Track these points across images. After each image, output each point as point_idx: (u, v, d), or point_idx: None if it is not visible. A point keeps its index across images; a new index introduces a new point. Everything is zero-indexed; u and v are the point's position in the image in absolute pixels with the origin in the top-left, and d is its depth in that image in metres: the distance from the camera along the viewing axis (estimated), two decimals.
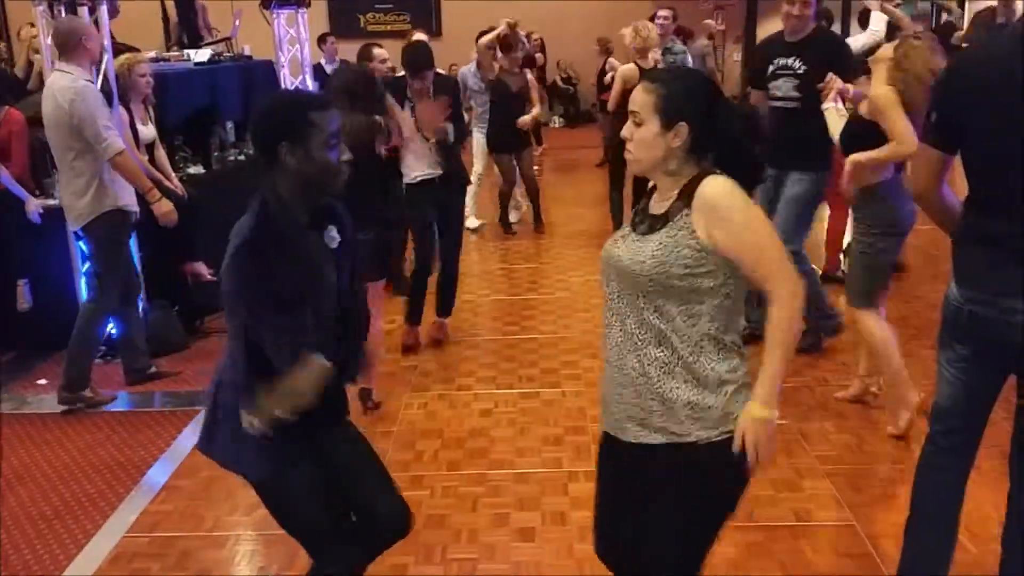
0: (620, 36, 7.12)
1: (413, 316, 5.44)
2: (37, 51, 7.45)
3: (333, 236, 2.40)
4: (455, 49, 11.96)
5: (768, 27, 15.64)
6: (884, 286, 4.13)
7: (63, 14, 5.15)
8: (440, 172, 5.12)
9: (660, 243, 2.03)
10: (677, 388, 2.08)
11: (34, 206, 5.23)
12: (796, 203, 4.74)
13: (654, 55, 6.82)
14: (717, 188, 2.01)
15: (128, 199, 4.73)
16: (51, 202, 5.39)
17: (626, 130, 2.11)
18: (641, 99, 2.08)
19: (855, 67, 4.69)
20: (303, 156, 2.26)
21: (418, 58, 4.99)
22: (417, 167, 5.10)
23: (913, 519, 2.80)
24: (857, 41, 5.88)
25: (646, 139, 2.07)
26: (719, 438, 2.08)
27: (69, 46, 4.56)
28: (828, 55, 4.60)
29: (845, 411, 4.34)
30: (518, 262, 7.41)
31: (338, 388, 2.54)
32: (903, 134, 3.68)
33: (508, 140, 7.93)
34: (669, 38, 7.59)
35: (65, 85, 4.48)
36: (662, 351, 2.08)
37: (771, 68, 4.70)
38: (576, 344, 5.39)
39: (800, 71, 4.62)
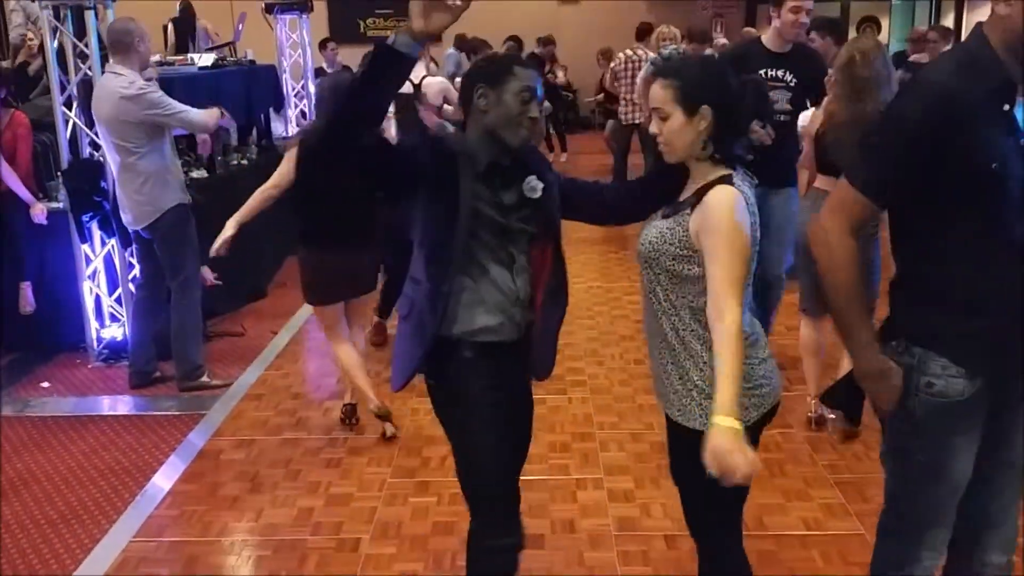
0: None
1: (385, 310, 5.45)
2: (33, 55, 7.42)
3: (534, 186, 2.42)
4: None
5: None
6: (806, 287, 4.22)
7: (69, 18, 5.15)
8: None
9: (661, 230, 2.21)
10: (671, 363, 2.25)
11: (40, 209, 5.24)
12: (791, 222, 4.55)
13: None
14: (720, 198, 2.12)
15: (183, 195, 4.83)
16: (55, 205, 5.39)
17: (654, 126, 2.23)
18: (660, 95, 2.20)
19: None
20: (495, 100, 2.33)
21: None
22: None
23: None
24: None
25: (674, 129, 2.18)
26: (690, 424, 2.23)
27: (123, 46, 4.58)
28: (813, 70, 4.53)
29: None
30: None
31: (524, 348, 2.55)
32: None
33: None
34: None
35: (123, 87, 4.50)
36: (665, 322, 2.24)
37: None
38: (581, 351, 5.38)
39: (792, 84, 4.54)
